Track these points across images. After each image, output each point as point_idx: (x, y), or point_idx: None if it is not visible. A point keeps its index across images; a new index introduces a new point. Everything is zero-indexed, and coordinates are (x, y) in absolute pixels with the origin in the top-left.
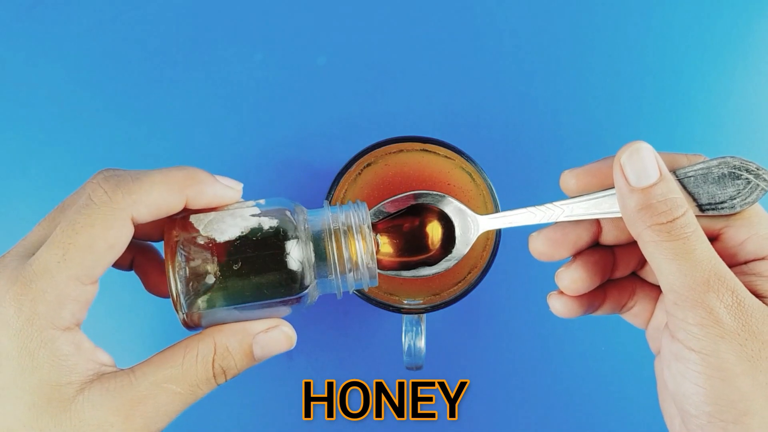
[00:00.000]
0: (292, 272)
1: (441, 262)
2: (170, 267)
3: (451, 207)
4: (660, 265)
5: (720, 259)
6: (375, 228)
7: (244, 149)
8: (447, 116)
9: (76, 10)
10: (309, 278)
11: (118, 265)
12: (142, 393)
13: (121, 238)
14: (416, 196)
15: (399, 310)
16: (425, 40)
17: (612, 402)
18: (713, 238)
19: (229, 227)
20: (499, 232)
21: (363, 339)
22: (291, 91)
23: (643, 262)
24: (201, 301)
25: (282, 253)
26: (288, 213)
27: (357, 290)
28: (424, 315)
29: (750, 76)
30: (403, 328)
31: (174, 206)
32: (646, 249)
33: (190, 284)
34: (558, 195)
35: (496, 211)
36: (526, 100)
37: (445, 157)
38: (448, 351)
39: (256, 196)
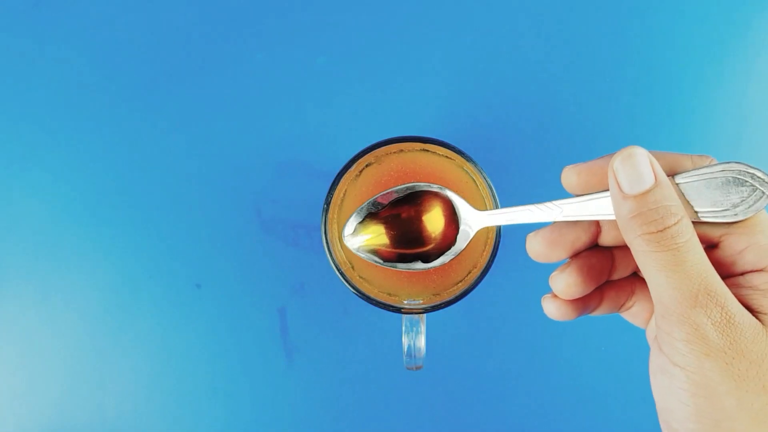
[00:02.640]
0: None
1: (439, 257)
2: None
3: (451, 201)
4: (649, 276)
5: (713, 272)
6: (375, 216)
7: (244, 149)
8: (447, 116)
9: (76, 11)
10: None
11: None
12: None
13: None
14: (416, 187)
15: (399, 310)
16: (425, 40)
17: (611, 402)
18: (712, 246)
19: None
20: (499, 233)
21: (363, 339)
22: (291, 91)
23: None
24: None
25: None
26: None
27: (356, 290)
28: (424, 315)
29: (751, 76)
30: (403, 328)
31: None
32: (637, 258)
33: None
34: (559, 194)
35: None
36: (526, 100)
37: (445, 157)
38: (448, 351)
39: (256, 195)
